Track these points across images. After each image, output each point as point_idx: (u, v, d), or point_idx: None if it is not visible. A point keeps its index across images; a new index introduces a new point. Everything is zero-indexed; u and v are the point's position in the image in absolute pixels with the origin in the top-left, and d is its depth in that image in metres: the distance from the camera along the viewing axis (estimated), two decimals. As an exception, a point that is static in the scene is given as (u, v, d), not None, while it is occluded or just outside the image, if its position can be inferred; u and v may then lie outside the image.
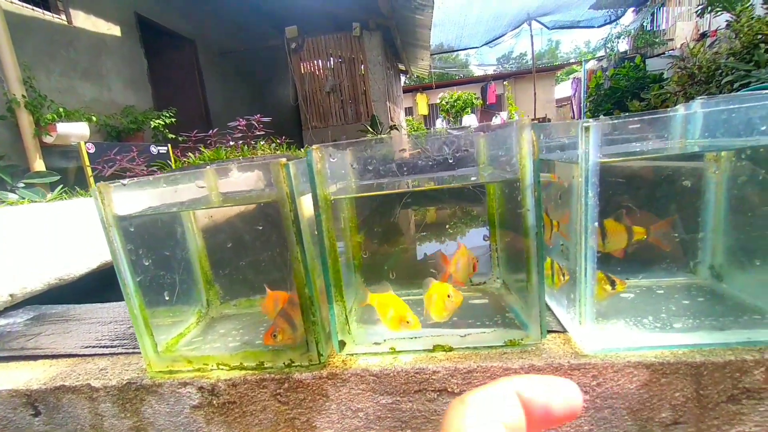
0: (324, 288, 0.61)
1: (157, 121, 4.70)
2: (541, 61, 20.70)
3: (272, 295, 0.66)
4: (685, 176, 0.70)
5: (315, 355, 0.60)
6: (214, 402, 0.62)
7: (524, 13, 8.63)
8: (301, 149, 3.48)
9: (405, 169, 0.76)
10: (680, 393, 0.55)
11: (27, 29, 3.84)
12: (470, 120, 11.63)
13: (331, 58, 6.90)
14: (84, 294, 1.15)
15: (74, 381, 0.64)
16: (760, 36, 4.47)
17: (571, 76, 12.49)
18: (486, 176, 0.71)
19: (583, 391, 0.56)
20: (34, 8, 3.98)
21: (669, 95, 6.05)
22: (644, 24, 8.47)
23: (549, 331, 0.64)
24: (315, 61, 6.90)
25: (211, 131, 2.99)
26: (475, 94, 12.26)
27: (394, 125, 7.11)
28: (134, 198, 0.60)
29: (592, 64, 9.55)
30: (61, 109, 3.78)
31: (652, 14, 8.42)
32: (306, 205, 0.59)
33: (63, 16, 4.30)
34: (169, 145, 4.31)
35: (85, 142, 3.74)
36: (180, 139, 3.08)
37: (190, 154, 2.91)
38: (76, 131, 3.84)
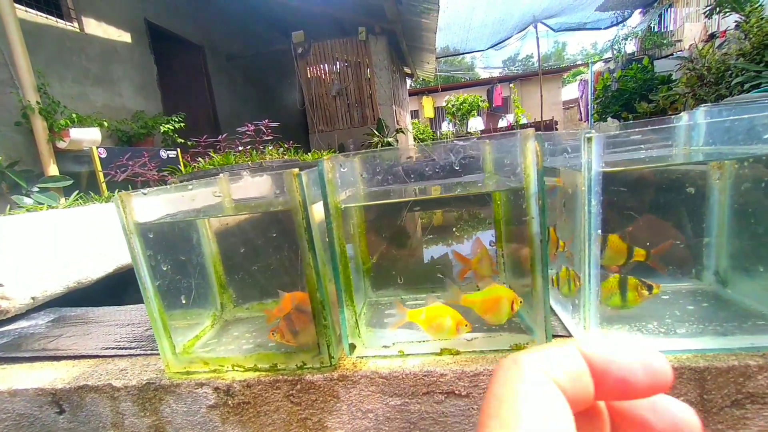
0: (334, 292, 0.63)
1: (167, 126, 4.79)
2: (548, 63, 20.64)
3: (288, 297, 0.68)
4: (689, 182, 0.71)
5: (326, 358, 0.62)
6: (230, 402, 0.65)
7: (530, 16, 8.63)
8: (308, 153, 3.52)
9: (412, 175, 0.78)
10: (684, 397, 0.56)
11: (41, 37, 3.95)
12: (476, 123, 11.63)
13: (338, 62, 6.96)
14: (101, 297, 1.19)
15: (96, 381, 0.67)
16: (770, 37, 4.43)
17: (578, 77, 12.43)
18: (491, 184, 0.72)
19: (588, 394, 0.58)
20: (48, 16, 4.09)
21: (678, 97, 6.00)
22: (652, 25, 8.42)
23: (555, 336, 0.65)
24: (321, 65, 6.97)
25: (220, 136, 3.04)
26: (481, 96, 12.26)
27: (400, 128, 7.13)
28: (153, 206, 0.63)
29: (599, 66, 9.51)
30: (74, 115, 3.87)
31: (660, 15, 8.37)
32: (317, 212, 0.62)
33: (75, 24, 4.40)
34: (179, 149, 4.39)
35: (97, 147, 3.83)
36: (189, 143, 3.14)
37: (200, 159, 2.97)
38: (88, 137, 3.93)
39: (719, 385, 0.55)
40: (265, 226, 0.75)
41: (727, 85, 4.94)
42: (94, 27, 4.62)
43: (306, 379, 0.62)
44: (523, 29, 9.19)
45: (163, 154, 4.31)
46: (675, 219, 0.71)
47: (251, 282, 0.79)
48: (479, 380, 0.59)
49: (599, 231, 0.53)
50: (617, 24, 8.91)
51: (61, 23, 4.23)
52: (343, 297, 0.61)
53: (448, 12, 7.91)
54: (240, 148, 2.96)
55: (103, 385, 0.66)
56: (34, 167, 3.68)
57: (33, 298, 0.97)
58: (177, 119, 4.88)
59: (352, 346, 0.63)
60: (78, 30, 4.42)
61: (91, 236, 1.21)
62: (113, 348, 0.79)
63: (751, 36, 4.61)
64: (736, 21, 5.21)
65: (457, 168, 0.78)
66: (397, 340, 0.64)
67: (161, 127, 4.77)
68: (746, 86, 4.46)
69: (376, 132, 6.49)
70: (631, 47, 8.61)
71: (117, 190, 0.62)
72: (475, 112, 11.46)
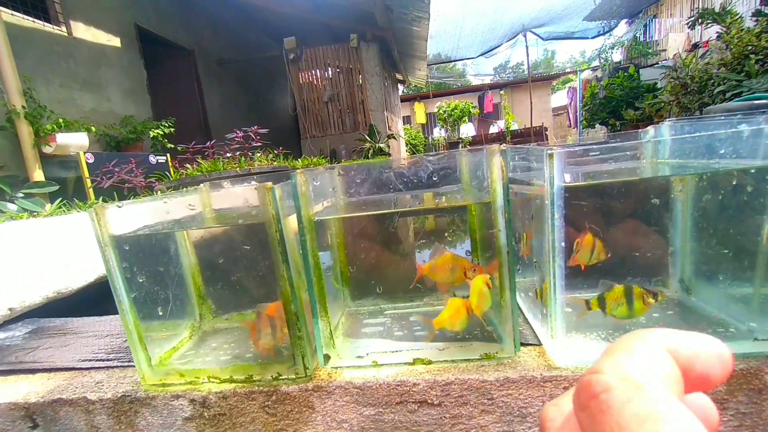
0: (312, 303, 0.64)
1: (156, 131, 4.76)
2: (537, 70, 20.97)
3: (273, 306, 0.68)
4: (655, 193, 0.74)
5: (301, 369, 0.62)
6: (206, 414, 0.65)
7: (519, 25, 8.79)
8: (299, 159, 3.53)
9: (391, 186, 0.80)
10: (647, 404, 0.58)
11: (27, 40, 3.91)
12: (467, 129, 11.74)
13: (329, 69, 7.00)
14: (82, 306, 1.18)
15: (71, 394, 0.67)
16: (750, 47, 4.59)
17: (567, 85, 12.65)
18: (460, 198, 0.74)
19: (555, 402, 0.59)
20: (35, 20, 4.05)
21: (663, 104, 6.16)
22: (637, 35, 8.63)
23: (526, 344, 0.67)
24: (313, 72, 7.00)
25: (209, 143, 3.04)
26: (472, 103, 12.40)
27: (392, 134, 7.18)
28: (129, 218, 0.64)
29: (587, 74, 9.70)
30: (60, 120, 3.83)
31: (645, 25, 8.59)
32: (293, 224, 0.63)
33: (63, 28, 4.37)
34: (168, 155, 4.36)
35: (84, 153, 3.78)
36: (179, 149, 3.14)
37: (188, 165, 2.96)
38: (75, 141, 3.88)
39: (679, 392, 0.57)
40: (245, 237, 0.76)
41: (710, 94, 5.09)
42: (82, 31, 4.59)
43: (281, 390, 0.63)
44: (513, 37, 9.36)
45: (153, 159, 4.28)
46: (642, 228, 0.74)
47: (230, 292, 0.80)
48: (450, 389, 0.61)
49: (563, 243, 0.55)
50: (604, 33, 9.12)
51: (48, 27, 4.20)
52: (318, 308, 0.62)
53: (438, 20, 8.03)
54: (228, 155, 2.96)
55: (77, 398, 0.66)
56: (19, 173, 3.63)
57: (10, 309, 0.96)
58: (167, 124, 4.86)
59: (327, 357, 0.64)
60: (66, 34, 4.39)
61: (72, 245, 1.20)
62: (90, 360, 0.78)
63: (732, 46, 4.77)
64: (717, 32, 5.38)
65: (435, 179, 0.80)
66: (371, 350, 0.65)
67: (150, 132, 4.74)
68: (728, 95, 4.60)
69: (367, 138, 6.52)
70: (617, 56, 8.81)
71: (101, 198, 0.63)
72: (466, 118, 11.58)
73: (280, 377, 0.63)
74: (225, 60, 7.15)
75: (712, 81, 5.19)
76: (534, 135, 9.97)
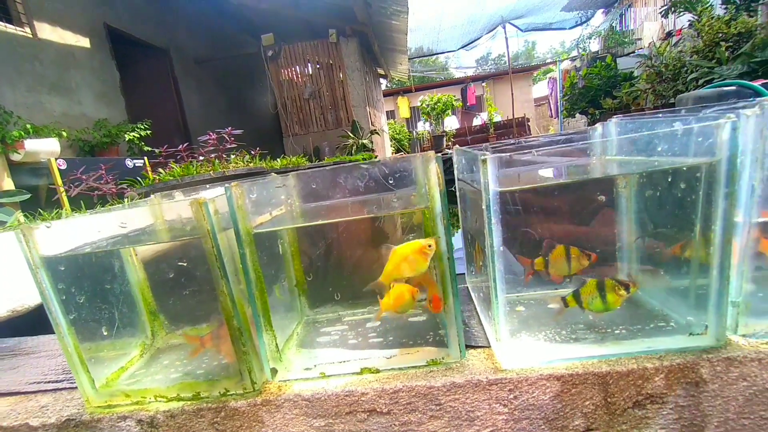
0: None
1: (132, 134, 4.63)
2: (518, 62, 21.07)
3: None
4: (602, 190, 0.74)
5: (249, 383, 0.61)
6: (153, 433, 0.64)
7: (498, 17, 8.80)
8: (277, 160, 3.48)
9: (347, 191, 0.79)
10: (590, 401, 0.59)
11: (-12, 44, 3.75)
12: (451, 122, 11.76)
13: (309, 65, 6.91)
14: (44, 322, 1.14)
15: (12, 421, 0.65)
16: (720, 35, 4.69)
17: (548, 75, 12.76)
18: (399, 204, 0.73)
19: (502, 404, 0.60)
20: (-5, 22, 3.89)
21: (639, 92, 6.26)
22: (613, 24, 8.73)
23: (476, 347, 0.67)
24: (293, 68, 6.90)
25: (181, 146, 2.97)
26: (455, 96, 12.40)
27: (375, 130, 7.14)
28: (61, 237, 0.61)
29: (566, 64, 9.80)
30: (28, 126, 3.70)
31: (621, 15, 8.69)
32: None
33: (27, 29, 4.20)
34: (146, 158, 4.25)
35: (56, 159, 3.66)
36: (158, 152, 3.07)
37: (160, 169, 2.89)
38: (45, 147, 3.76)
39: (621, 388, 0.58)
40: (194, 250, 0.74)
41: (684, 81, 5.20)
42: (48, 32, 4.42)
43: (230, 406, 0.62)
44: (492, 30, 9.37)
45: (129, 163, 4.17)
46: (590, 223, 0.75)
47: (182, 307, 0.78)
48: (399, 397, 0.60)
49: (501, 248, 0.55)
50: (581, 24, 9.20)
51: (11, 28, 4.03)
52: (261, 322, 0.61)
53: (418, 14, 7.98)
54: (201, 158, 2.90)
55: (19, 425, 0.64)
56: (-14, 182, 3.50)
57: (-43, 332, 0.93)
58: (142, 126, 4.73)
59: (274, 371, 0.63)
60: (30, 35, 4.22)
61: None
62: (39, 382, 0.76)
63: (703, 34, 4.86)
64: (689, 20, 5.49)
65: (390, 182, 0.79)
66: (320, 361, 0.64)
67: (126, 136, 4.61)
68: (700, 81, 4.71)
69: (350, 134, 6.48)
70: (595, 46, 8.91)
71: (72, 208, 0.60)
72: (449, 111, 11.59)
73: (228, 393, 0.62)
74: (202, 59, 6.98)
75: (686, 68, 5.30)
76: (516, 126, 10.04)
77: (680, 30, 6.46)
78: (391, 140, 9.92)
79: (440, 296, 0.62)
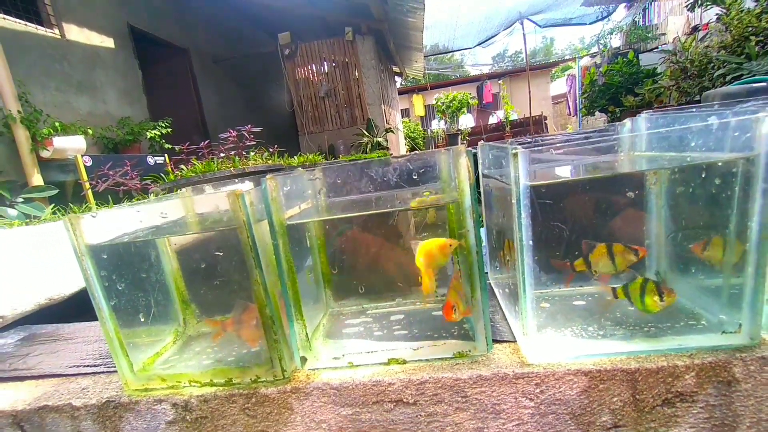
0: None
1: (153, 131, 4.76)
2: (535, 58, 20.70)
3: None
4: (631, 187, 0.74)
5: (279, 371, 0.63)
6: (188, 417, 0.66)
7: (516, 13, 8.66)
8: (294, 157, 3.53)
9: (372, 185, 0.80)
10: (618, 398, 0.59)
11: (20, 44, 3.91)
12: (466, 120, 11.65)
13: (325, 63, 6.95)
14: (77, 311, 1.20)
15: (57, 401, 0.68)
16: (750, 29, 4.51)
17: (567, 72, 12.50)
18: (426, 198, 0.74)
19: (528, 398, 0.60)
20: (27, 23, 4.04)
21: (663, 89, 6.07)
22: (636, 19, 8.49)
23: (502, 341, 0.68)
24: (309, 67, 6.96)
25: (202, 143, 3.04)
26: (470, 93, 12.28)
27: (390, 128, 7.14)
28: (105, 227, 0.65)
29: (586, 61, 9.57)
30: (57, 124, 3.84)
31: (644, 9, 8.44)
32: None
33: (56, 30, 4.36)
34: (166, 155, 4.37)
35: (82, 156, 3.80)
36: (178, 149, 3.16)
37: (182, 166, 2.96)
38: (72, 145, 3.90)
39: (650, 386, 0.58)
40: (225, 241, 0.77)
41: (710, 77, 5.01)
42: (75, 33, 4.57)
43: (260, 393, 0.64)
44: (510, 26, 9.22)
45: (151, 160, 4.29)
46: (619, 221, 0.74)
47: (213, 296, 0.80)
48: (425, 388, 0.61)
49: (530, 241, 0.56)
50: (602, 19, 8.97)
51: (41, 30, 4.19)
52: (292, 312, 0.63)
53: (434, 11, 7.93)
54: (222, 155, 2.96)
55: (63, 404, 0.68)
56: (18, 177, 3.66)
57: (2, 317, 0.98)
58: (163, 124, 4.86)
59: (303, 359, 0.65)
60: (59, 36, 4.38)
61: (64, 251, 1.21)
62: (78, 366, 0.80)
63: (732, 28, 4.68)
64: (717, 14, 5.28)
65: (415, 177, 0.80)
66: (348, 351, 0.66)
67: (148, 133, 4.75)
68: (728, 78, 4.54)
69: (365, 132, 6.50)
70: (616, 41, 8.68)
71: (97, 203, 0.64)
72: (465, 109, 11.48)
73: (259, 380, 0.65)
74: (220, 57, 7.11)
75: (712, 64, 5.11)
76: (533, 124, 9.88)
77: (707, 24, 6.24)
78: (405, 138, 9.90)
79: (453, 304, 0.61)
